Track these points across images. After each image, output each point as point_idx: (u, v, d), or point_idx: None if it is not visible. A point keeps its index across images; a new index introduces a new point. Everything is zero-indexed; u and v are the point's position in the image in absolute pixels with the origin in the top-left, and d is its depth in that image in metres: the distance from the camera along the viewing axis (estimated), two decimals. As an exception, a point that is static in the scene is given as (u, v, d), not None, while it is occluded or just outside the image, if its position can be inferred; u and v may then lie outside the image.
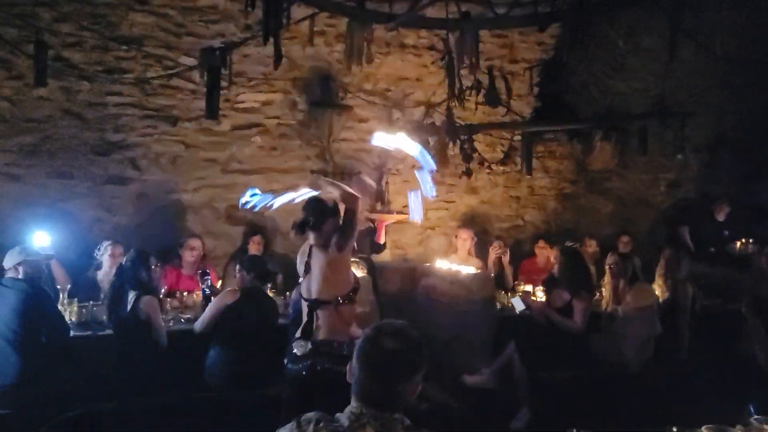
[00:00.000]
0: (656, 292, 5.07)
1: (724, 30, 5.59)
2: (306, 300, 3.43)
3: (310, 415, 1.62)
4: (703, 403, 2.99)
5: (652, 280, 5.25)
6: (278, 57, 3.40)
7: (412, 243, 6.84)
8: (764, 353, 4.83)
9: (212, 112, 4.29)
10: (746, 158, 7.77)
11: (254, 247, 5.71)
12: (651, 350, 4.81)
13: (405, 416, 1.65)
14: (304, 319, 3.40)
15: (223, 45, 4.47)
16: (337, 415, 1.62)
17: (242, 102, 5.68)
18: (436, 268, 5.94)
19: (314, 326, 3.34)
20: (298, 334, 3.40)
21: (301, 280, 3.59)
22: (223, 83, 4.67)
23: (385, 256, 6.40)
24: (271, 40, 3.36)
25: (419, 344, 1.69)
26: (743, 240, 7.07)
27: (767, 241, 5.94)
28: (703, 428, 1.95)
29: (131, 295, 4.06)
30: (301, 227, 3.47)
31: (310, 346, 3.29)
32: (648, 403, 4.19)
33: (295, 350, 3.33)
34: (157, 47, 5.04)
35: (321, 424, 1.59)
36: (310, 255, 3.49)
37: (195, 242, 5.36)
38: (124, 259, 4.33)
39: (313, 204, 3.55)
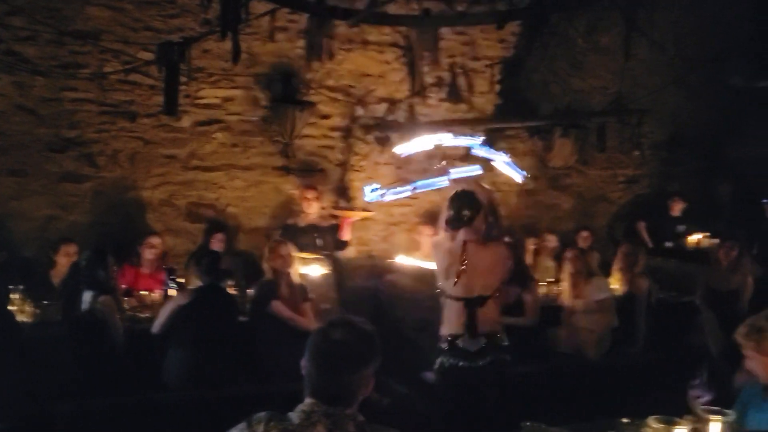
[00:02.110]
0: (614, 286, 5.15)
1: (679, 30, 5.74)
2: (464, 298, 3.27)
3: (261, 414, 1.60)
4: (658, 393, 3.05)
5: (609, 274, 5.35)
6: (237, 52, 3.37)
7: (377, 239, 6.84)
8: (716, 344, 4.95)
9: (171, 107, 4.22)
10: (701, 155, 7.99)
11: (217, 245, 5.63)
12: (608, 342, 4.89)
13: (359, 412, 1.65)
14: (457, 316, 3.27)
15: (181, 40, 4.41)
16: (289, 413, 1.61)
17: (202, 98, 5.61)
18: (399, 264, 5.96)
19: (477, 321, 3.25)
20: (456, 331, 3.27)
21: (444, 279, 3.39)
22: (183, 79, 4.60)
23: (349, 253, 6.40)
24: (230, 35, 3.33)
25: (370, 336, 1.68)
26: (698, 234, 7.27)
27: (721, 236, 6.09)
28: (649, 419, 1.99)
29: (87, 295, 3.98)
30: (458, 222, 3.29)
31: (485, 340, 3.24)
32: (605, 394, 4.27)
33: (464, 347, 3.23)
34: (114, 42, 4.94)
35: (272, 423, 1.56)
36: (465, 252, 3.27)
37: (154, 240, 5.27)
38: (80, 258, 4.23)
39: (467, 198, 3.33)
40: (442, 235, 3.43)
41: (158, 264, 5.21)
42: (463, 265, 3.23)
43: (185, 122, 5.61)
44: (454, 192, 3.41)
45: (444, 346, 3.29)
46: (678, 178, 8.04)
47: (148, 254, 5.19)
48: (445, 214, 3.36)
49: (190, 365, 3.92)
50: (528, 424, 2.21)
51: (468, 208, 3.28)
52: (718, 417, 2.07)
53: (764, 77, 3.15)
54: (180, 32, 4.88)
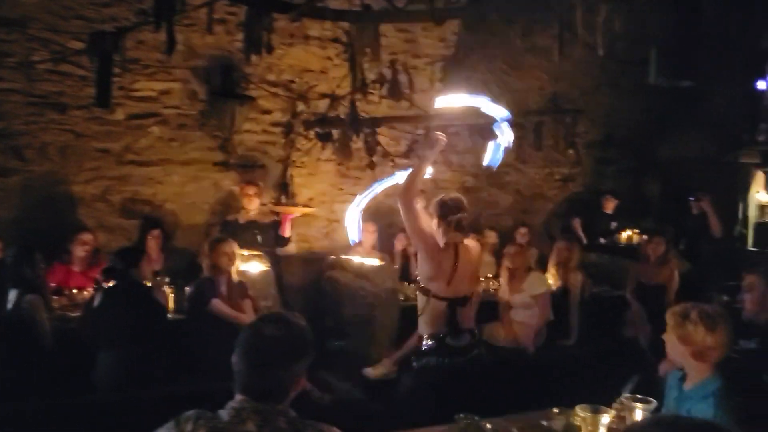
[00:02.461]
0: (549, 281, 5.29)
1: (609, 32, 5.90)
2: (451, 299, 3.32)
3: (190, 413, 1.58)
4: (590, 384, 3.13)
5: (546, 270, 5.48)
6: (171, 44, 3.29)
7: (318, 236, 6.82)
8: (645, 336, 5.16)
9: (104, 100, 4.08)
10: (632, 155, 8.30)
11: (153, 242, 5.50)
12: (544, 336, 5.02)
13: (300, 410, 1.64)
14: (441, 316, 3.32)
15: (115, 30, 4.27)
16: (219, 411, 1.59)
17: (138, 90, 5.46)
18: (341, 260, 5.96)
19: (461, 319, 3.34)
20: (440, 330, 3.31)
21: (432, 280, 3.37)
22: (116, 70, 4.46)
23: (290, 250, 6.35)
24: (165, 26, 3.24)
25: (301, 331, 1.67)
26: (629, 231, 7.55)
27: (650, 232, 6.34)
28: (577, 408, 2.06)
29: (13, 294, 3.81)
30: (461, 227, 3.37)
31: (468, 336, 3.35)
32: (541, 386, 4.37)
33: (452, 344, 3.30)
34: (43, 30, 4.76)
35: (200, 421, 1.54)
36: (457, 258, 3.31)
37: (86, 236, 5.10)
38: (6, 255, 4.05)
39: (459, 201, 3.41)
40: (438, 237, 3.39)
41: (90, 261, 5.05)
42: (456, 268, 3.32)
43: (119, 115, 5.45)
44: (444, 197, 3.45)
45: (430, 344, 3.34)
46: (611, 177, 8.32)
47: (80, 251, 5.02)
48: (439, 217, 3.36)
49: (115, 366, 3.80)
50: (462, 416, 2.24)
51: (461, 211, 3.37)
52: (641, 405, 2.16)
53: (685, 77, 3.29)
54: (114, 22, 4.74)
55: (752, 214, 8.00)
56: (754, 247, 7.84)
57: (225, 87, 5.62)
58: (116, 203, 5.78)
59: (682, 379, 2.37)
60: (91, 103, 4.85)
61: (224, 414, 1.57)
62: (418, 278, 5.82)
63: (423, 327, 3.40)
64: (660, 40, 3.39)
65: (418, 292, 3.43)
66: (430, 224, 3.42)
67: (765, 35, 7.39)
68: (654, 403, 2.22)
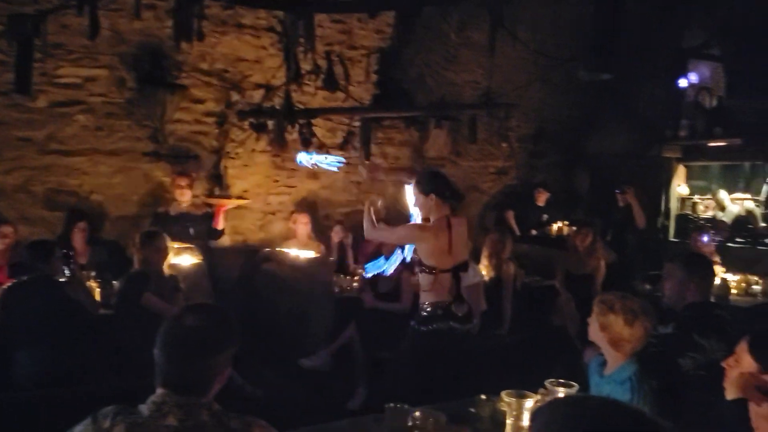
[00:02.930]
0: (482, 272, 5.38)
1: (540, 28, 6.08)
2: (453, 267, 3.55)
3: (108, 408, 1.53)
4: (521, 371, 3.21)
5: (479, 261, 5.58)
6: (95, 29, 3.17)
7: (253, 228, 6.73)
8: (573, 325, 5.32)
9: (24, 86, 3.92)
10: (562, 149, 8.55)
11: (79, 234, 5.29)
12: (477, 326, 5.11)
13: (231, 403, 1.61)
14: (446, 285, 3.55)
15: (36, 12, 4.08)
16: (139, 406, 1.54)
17: (61, 77, 5.22)
18: (276, 252, 5.91)
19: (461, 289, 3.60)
20: (445, 299, 3.53)
21: (433, 256, 3.56)
22: (38, 55, 4.26)
23: (224, 242, 6.25)
24: (87, 9, 3.12)
25: (223, 322, 1.64)
26: (560, 223, 7.78)
27: (579, 224, 6.55)
28: (502, 393, 2.12)
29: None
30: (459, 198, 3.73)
31: (467, 306, 3.63)
32: (473, 375, 4.46)
33: (455, 312, 3.53)
34: (-45, 11, 4.48)
35: (119, 417, 1.50)
36: (450, 229, 3.52)
37: (6, 229, 4.84)
38: None
39: (447, 178, 3.72)
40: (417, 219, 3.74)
41: (10, 255, 4.81)
42: (451, 236, 3.54)
43: (42, 102, 5.20)
44: (431, 173, 3.85)
45: (436, 312, 3.54)
46: (543, 170, 8.55)
47: (-1, 244, 4.78)
48: (432, 192, 3.56)
49: (32, 364, 3.65)
50: (391, 405, 2.27)
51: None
52: (563, 389, 2.24)
53: (606, 70, 3.43)
54: (35, 4, 4.50)
55: (674, 206, 8.39)
56: (675, 237, 8.22)
57: (155, 75, 5.45)
58: (39, 194, 5.52)
59: (603, 364, 2.47)
60: (11, 89, 4.62)
61: (144, 409, 1.53)
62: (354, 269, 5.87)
63: (428, 295, 3.58)
64: (583, 34, 3.50)
65: (421, 273, 3.60)
66: (399, 226, 3.82)
67: (685, 35, 7.74)
68: (576, 386, 2.30)
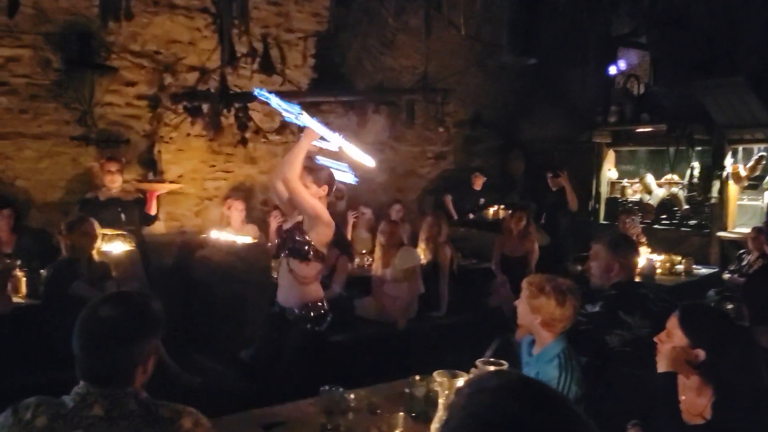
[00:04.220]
0: (420, 255, 5.45)
1: (478, 14, 6.13)
2: None
3: (30, 400, 1.49)
4: (458, 352, 3.27)
5: (416, 244, 5.65)
6: (14, 6, 3.02)
7: (189, 214, 6.60)
8: (509, 306, 5.45)
9: (-63, 65, 3.70)
10: (499, 134, 8.71)
11: (3, 222, 5.06)
12: (415, 308, 5.19)
13: (170, 391, 1.59)
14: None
15: (-51, -12, 3.86)
16: (63, 397, 1.51)
17: (-19, 56, 4.98)
18: (212, 238, 5.81)
19: None
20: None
21: (323, 245, 3.39)
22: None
23: (159, 228, 6.10)
24: (6, -14, 2.97)
25: (142, 311, 1.61)
26: (496, 206, 7.95)
27: (513, 207, 6.71)
28: (435, 373, 2.17)
29: None
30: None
31: None
32: (412, 357, 4.53)
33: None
34: None
35: (41, 408, 1.46)
36: None
37: None
38: None
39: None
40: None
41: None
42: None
43: (-41, 83, 4.95)
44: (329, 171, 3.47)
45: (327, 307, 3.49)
46: (479, 155, 8.69)
47: None
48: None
49: None
50: (326, 388, 2.29)
51: None
52: (493, 368, 2.30)
53: (529, 55, 3.52)
54: (-52, -21, 4.26)
55: (604, 190, 8.69)
56: (605, 220, 8.53)
57: (82, 56, 5.25)
58: (-41, 181, 5.27)
59: (531, 344, 2.55)
60: (-76, 69, 4.38)
61: (68, 400, 1.49)
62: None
63: (317, 292, 3.44)
64: (510, 19, 3.58)
65: (313, 259, 3.34)
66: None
67: (614, 23, 7.99)
68: (505, 364, 2.38)
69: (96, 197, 5.26)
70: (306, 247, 3.30)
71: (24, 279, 4.39)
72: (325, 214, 3.31)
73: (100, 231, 4.25)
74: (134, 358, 1.56)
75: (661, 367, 2.06)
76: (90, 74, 5.25)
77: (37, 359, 3.84)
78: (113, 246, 4.71)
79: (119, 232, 4.88)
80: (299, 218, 3.45)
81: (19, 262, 4.50)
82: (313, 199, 3.28)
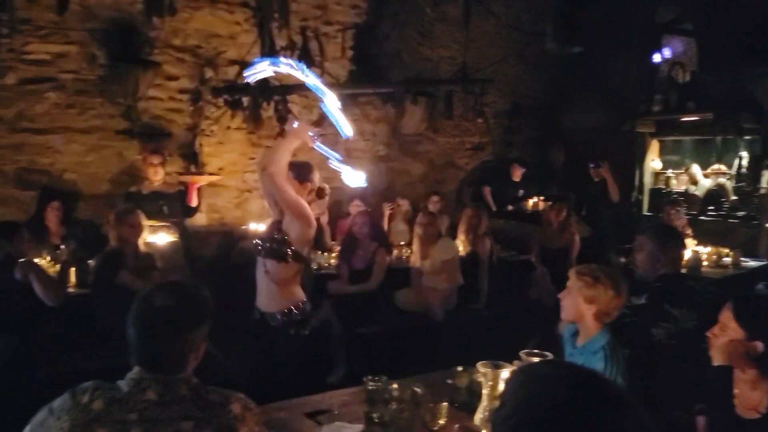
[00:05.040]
0: (459, 247, 5.43)
1: (518, 3, 6.07)
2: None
3: (87, 384, 1.54)
4: (498, 344, 3.25)
5: (456, 236, 5.63)
6: (63, 3, 3.09)
7: (230, 206, 6.70)
8: (549, 298, 5.41)
9: (-10, 62, 3.82)
10: (537, 124, 8.59)
11: (52, 214, 5.22)
12: (454, 300, 5.17)
13: (209, 379, 1.62)
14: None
15: (1, -14, 3.98)
16: (118, 381, 1.55)
17: (30, 53, 5.13)
18: (253, 230, 5.88)
19: None
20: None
21: (304, 245, 3.19)
22: (4, 31, 4.17)
23: (200, 220, 6.21)
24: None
25: (195, 300, 1.64)
26: (535, 198, 7.86)
27: (553, 198, 6.62)
28: (478, 364, 2.16)
29: None
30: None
31: None
32: (451, 349, 4.52)
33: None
34: None
35: (98, 392, 1.51)
36: None
37: (-23, 209, 4.79)
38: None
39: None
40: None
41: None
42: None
43: (10, 79, 5.11)
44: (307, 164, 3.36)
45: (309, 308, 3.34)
46: (518, 145, 8.59)
47: (-30, 225, 4.70)
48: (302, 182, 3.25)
49: (9, 348, 3.62)
50: (369, 378, 2.30)
51: None
52: (539, 359, 2.28)
53: (575, 43, 3.44)
54: (0, -22, 4.40)
55: (647, 180, 8.51)
56: (648, 211, 8.35)
57: (127, 51, 5.36)
58: (10, 173, 5.43)
59: (574, 335, 2.51)
60: (-22, 66, 4.53)
61: (123, 384, 1.54)
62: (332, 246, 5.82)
63: (297, 294, 3.24)
64: (554, 7, 3.51)
65: (292, 260, 3.10)
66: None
67: (659, 10, 7.79)
68: (550, 356, 2.35)
69: (139, 190, 5.38)
70: (284, 247, 3.09)
71: (73, 269, 4.51)
72: (308, 213, 3.11)
73: (146, 222, 4.35)
74: (187, 345, 1.60)
75: (717, 360, 2.02)
76: (134, 69, 5.36)
77: (85, 347, 3.97)
78: (158, 237, 4.81)
79: (163, 224, 4.98)
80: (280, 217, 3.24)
81: (73, 248, 4.58)
82: (297, 195, 3.08)
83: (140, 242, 4.30)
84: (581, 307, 2.39)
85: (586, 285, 2.37)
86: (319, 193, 3.34)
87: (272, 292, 3.20)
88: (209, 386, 1.59)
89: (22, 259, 3.71)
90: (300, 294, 3.26)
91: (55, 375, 3.59)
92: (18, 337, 3.66)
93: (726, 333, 2.02)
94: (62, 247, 4.18)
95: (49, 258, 4.56)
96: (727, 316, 2.04)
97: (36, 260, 4.08)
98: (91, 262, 4.48)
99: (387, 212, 6.59)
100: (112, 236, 4.23)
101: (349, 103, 6.44)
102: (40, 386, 3.45)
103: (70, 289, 4.29)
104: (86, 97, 5.51)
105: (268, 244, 3.15)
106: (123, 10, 5.27)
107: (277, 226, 3.20)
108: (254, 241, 3.30)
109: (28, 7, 4.80)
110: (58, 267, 4.26)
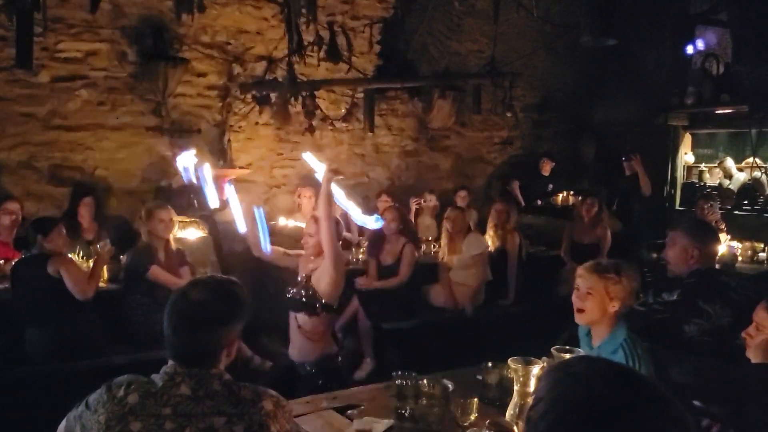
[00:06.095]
0: (488, 242, 5.39)
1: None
2: None
3: (122, 378, 1.56)
4: (527, 340, 3.22)
5: (485, 231, 5.59)
6: (95, 2, 3.13)
7: (258, 201, 6.72)
8: (579, 293, 5.33)
9: (25, 61, 3.90)
10: (567, 118, 8.48)
11: (85, 209, 5.31)
12: (483, 295, 5.14)
13: (241, 375, 1.63)
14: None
15: (34, -14, 4.04)
16: (153, 375, 1.57)
17: (63, 51, 5.20)
18: (281, 226, 5.91)
19: None
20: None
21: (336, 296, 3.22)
22: (38, 29, 4.24)
23: (230, 216, 6.24)
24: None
25: (231, 295, 1.65)
26: (565, 192, 7.76)
27: (584, 193, 6.52)
28: (509, 360, 2.13)
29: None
30: None
31: None
32: (480, 344, 4.50)
33: None
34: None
35: (132, 386, 1.53)
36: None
37: (12, 205, 4.86)
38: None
39: None
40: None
41: (16, 231, 4.84)
42: None
43: (44, 77, 5.19)
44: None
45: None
46: (548, 139, 8.49)
47: (5, 220, 4.79)
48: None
49: (41, 340, 3.71)
50: (399, 373, 2.29)
51: None
52: (569, 356, 2.24)
53: (609, 35, 3.36)
54: (33, -22, 4.46)
55: (680, 174, 8.33)
56: (681, 206, 8.19)
57: (156, 48, 5.41)
58: (44, 170, 5.54)
59: (588, 334, 2.43)
60: (12, 64, 4.61)
61: (158, 379, 1.55)
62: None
63: (329, 346, 3.31)
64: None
65: (321, 311, 3.15)
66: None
67: (692, 0, 7.62)
68: (582, 352, 2.32)
69: (170, 185, 5.45)
70: (314, 302, 3.11)
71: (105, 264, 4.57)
72: (343, 258, 3.16)
73: (175, 218, 4.39)
74: (221, 340, 1.61)
75: (756, 358, 1.97)
76: (163, 66, 5.40)
77: (117, 341, 4.03)
78: (187, 233, 4.87)
79: (193, 219, 5.03)
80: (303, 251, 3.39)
81: (108, 241, 4.59)
82: (336, 241, 3.14)
83: (171, 238, 4.34)
84: (606, 307, 2.30)
85: (612, 282, 2.27)
86: None
87: (305, 347, 3.23)
88: (241, 383, 1.60)
89: (54, 254, 3.79)
90: (333, 346, 3.31)
91: (89, 369, 3.65)
92: (53, 331, 3.73)
93: (763, 332, 1.97)
94: (100, 244, 4.24)
95: (81, 253, 4.62)
96: (761, 315, 1.99)
97: (69, 255, 4.14)
98: (122, 257, 4.54)
99: (413, 207, 6.57)
100: (143, 232, 4.29)
101: (377, 97, 6.44)
102: (76, 379, 3.52)
103: (102, 285, 4.35)
104: (117, 94, 5.58)
105: (298, 297, 3.18)
106: (153, 7, 5.32)
107: (305, 281, 3.22)
108: (287, 292, 3.28)
109: (59, 5, 4.87)
110: (90, 263, 4.31)
